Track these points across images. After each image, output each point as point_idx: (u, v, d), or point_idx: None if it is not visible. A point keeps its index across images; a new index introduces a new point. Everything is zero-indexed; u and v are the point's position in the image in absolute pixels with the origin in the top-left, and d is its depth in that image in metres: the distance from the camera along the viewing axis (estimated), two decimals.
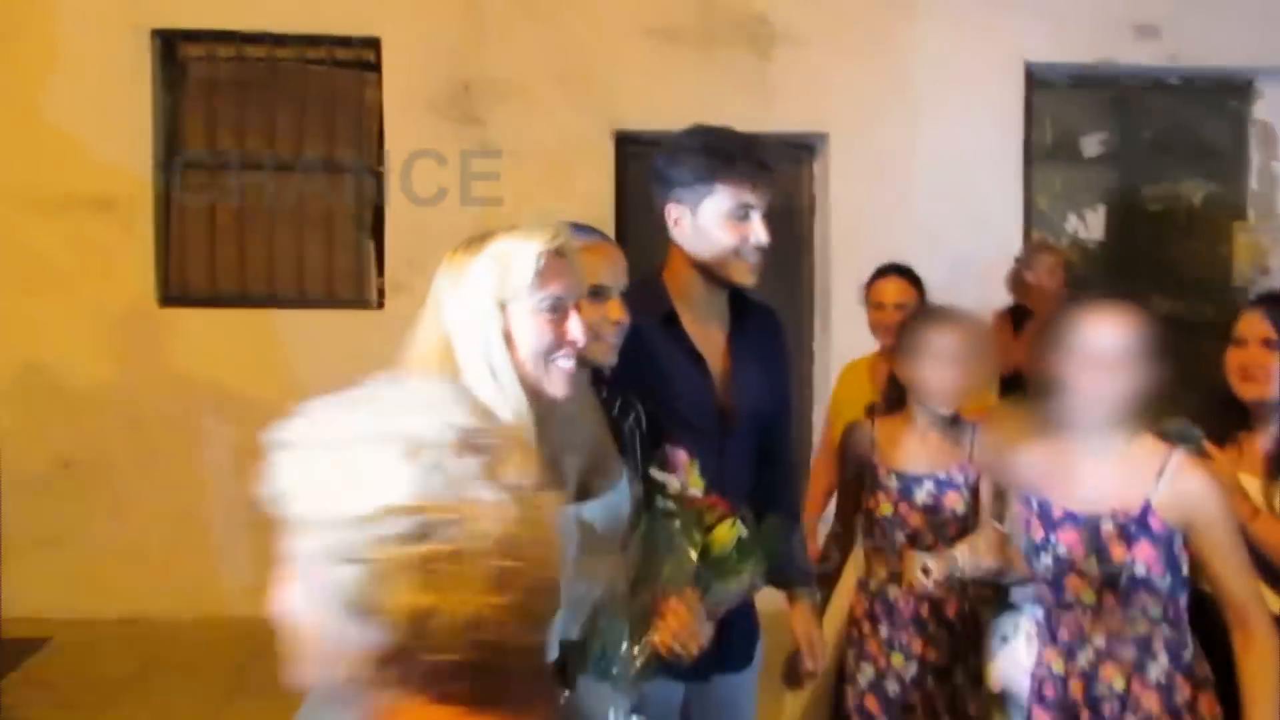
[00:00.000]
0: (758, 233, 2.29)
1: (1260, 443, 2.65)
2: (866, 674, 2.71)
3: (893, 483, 2.73)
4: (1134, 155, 6.24)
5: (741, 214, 2.28)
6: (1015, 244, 5.63)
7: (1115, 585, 2.18)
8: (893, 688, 2.68)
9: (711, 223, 2.29)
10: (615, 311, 1.94)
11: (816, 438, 4.78)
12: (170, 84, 5.69)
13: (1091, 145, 6.25)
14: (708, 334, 2.39)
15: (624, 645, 1.83)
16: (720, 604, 1.99)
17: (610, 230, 5.41)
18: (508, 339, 1.70)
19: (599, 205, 5.48)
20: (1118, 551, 2.17)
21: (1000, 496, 2.64)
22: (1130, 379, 2.15)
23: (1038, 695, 2.30)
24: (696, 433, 2.19)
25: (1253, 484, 2.59)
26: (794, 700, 2.89)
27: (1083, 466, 2.24)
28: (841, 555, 3.02)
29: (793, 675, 2.63)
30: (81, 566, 5.37)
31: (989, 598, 2.65)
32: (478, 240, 1.73)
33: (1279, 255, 6.19)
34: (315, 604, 0.97)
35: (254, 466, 0.99)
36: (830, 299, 5.80)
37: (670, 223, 2.35)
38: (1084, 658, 2.23)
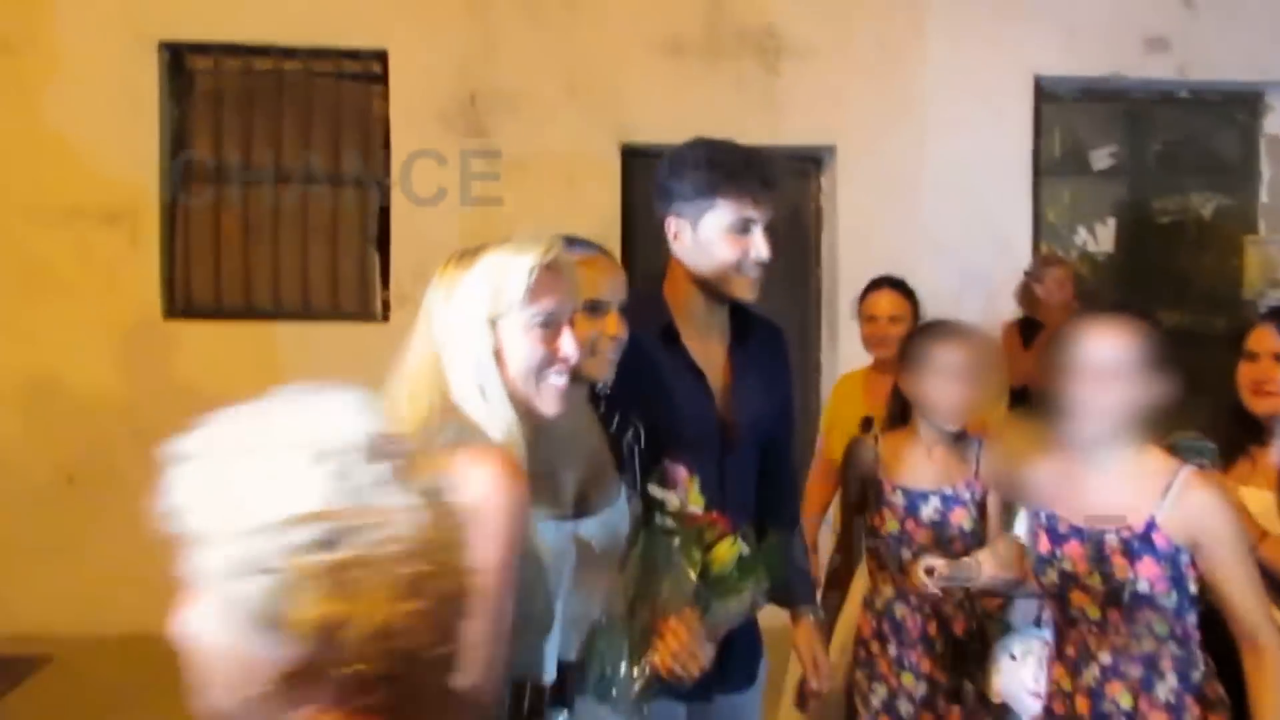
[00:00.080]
0: (759, 248, 2.26)
1: (1272, 457, 2.63)
2: (880, 694, 2.69)
3: (898, 499, 2.70)
4: (1144, 168, 6.22)
5: (742, 228, 2.25)
6: (1024, 257, 5.62)
7: (1119, 601, 2.15)
8: (905, 708, 2.65)
9: (712, 237, 2.25)
10: (613, 326, 1.90)
11: None
12: (177, 96, 5.70)
13: (1101, 158, 6.22)
14: (708, 349, 2.35)
15: (623, 666, 1.80)
16: (721, 624, 1.95)
17: (616, 243, 5.41)
18: (498, 356, 1.66)
19: (606, 218, 5.47)
20: (1120, 567, 2.14)
21: (1009, 510, 2.62)
22: (1129, 391, 2.12)
23: (1046, 711, 2.28)
24: (696, 449, 2.14)
25: (1265, 498, 2.56)
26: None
27: (1089, 481, 2.22)
28: (846, 572, 3.00)
29: (802, 696, 2.60)
30: (84, 581, 5.33)
31: (996, 615, 2.63)
32: (470, 254, 1.70)
33: None
34: (220, 622, 0.94)
35: None
36: (837, 312, 5.76)
37: (671, 236, 2.32)
38: (1090, 674, 2.20)
